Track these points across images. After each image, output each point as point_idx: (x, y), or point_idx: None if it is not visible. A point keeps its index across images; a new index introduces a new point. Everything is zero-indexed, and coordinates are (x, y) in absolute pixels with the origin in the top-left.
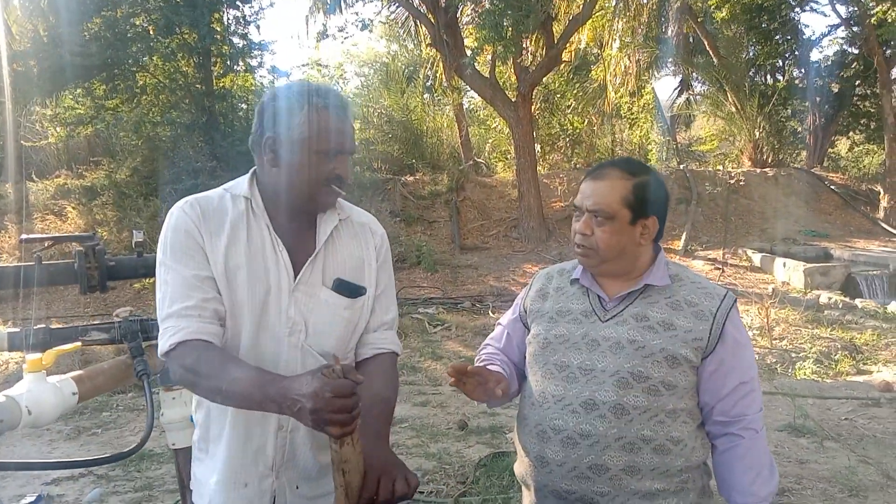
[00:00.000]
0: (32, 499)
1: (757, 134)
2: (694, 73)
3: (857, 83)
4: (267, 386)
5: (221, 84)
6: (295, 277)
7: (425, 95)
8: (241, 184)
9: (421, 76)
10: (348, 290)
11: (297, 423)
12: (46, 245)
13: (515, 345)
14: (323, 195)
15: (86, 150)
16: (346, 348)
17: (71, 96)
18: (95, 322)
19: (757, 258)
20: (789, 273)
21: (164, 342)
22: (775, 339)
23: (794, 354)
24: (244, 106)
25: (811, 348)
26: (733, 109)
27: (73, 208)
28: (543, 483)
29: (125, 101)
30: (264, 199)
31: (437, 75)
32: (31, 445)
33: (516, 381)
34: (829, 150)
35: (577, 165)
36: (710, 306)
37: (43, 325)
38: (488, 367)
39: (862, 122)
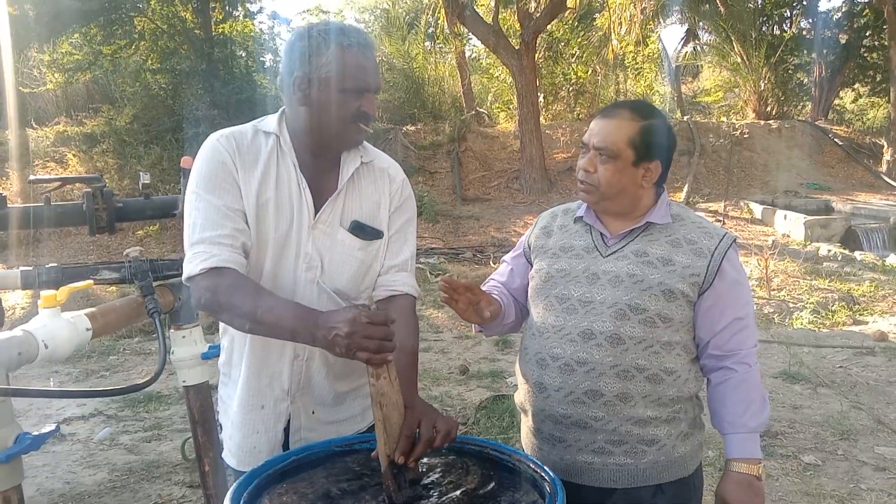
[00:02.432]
0: (52, 427)
1: (762, 85)
2: (700, 23)
3: (866, 34)
4: (304, 317)
5: (221, 30)
6: (315, 215)
7: (426, 43)
8: (271, 121)
9: (422, 23)
10: (364, 232)
11: (311, 352)
12: (54, 186)
13: (518, 278)
14: (351, 133)
15: (84, 96)
16: (358, 288)
17: (69, 42)
18: (106, 262)
19: (758, 210)
20: (790, 225)
21: (193, 266)
22: (774, 289)
23: (791, 305)
24: (244, 53)
25: (809, 299)
26: (739, 60)
27: (74, 155)
28: (541, 408)
29: (123, 46)
30: (291, 138)
31: (439, 22)
32: (41, 386)
33: (513, 313)
34: (834, 102)
35: (580, 116)
36: (708, 245)
37: (55, 264)
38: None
39: (868, 74)
